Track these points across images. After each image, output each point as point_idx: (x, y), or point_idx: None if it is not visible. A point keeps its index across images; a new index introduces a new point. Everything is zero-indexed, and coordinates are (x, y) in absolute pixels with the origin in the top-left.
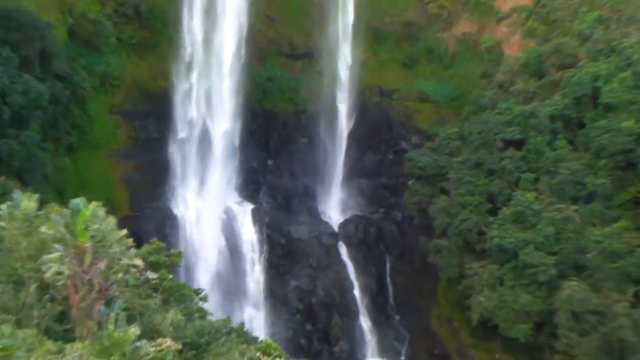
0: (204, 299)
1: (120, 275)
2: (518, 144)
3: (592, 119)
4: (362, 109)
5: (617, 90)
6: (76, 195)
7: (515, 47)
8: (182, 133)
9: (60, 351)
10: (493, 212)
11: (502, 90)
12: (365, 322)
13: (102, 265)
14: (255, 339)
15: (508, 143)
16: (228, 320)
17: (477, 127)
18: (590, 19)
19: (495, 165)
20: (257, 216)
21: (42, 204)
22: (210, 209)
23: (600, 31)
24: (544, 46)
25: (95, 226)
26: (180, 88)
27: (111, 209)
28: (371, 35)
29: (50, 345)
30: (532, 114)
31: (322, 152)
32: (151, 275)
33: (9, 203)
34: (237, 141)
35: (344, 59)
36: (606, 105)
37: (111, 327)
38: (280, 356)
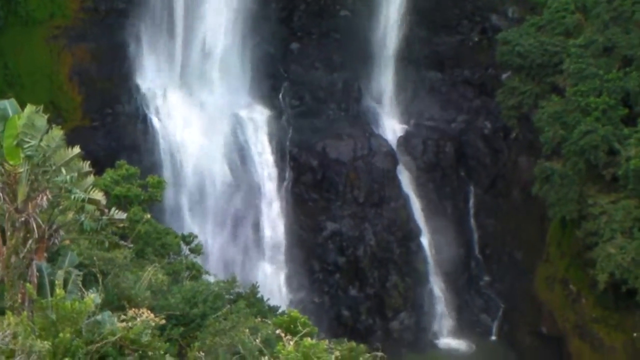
0: (198, 249)
1: (71, 215)
2: None
3: None
4: None
5: None
6: (2, 96)
7: None
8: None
9: None
10: (630, 120)
11: None
12: (437, 286)
13: (43, 200)
14: (274, 309)
15: None
16: (233, 281)
17: None
18: None
19: (635, 50)
20: (275, 127)
21: None
22: (205, 116)
23: None
24: None
25: (33, 142)
26: None
27: (56, 117)
28: None
29: None
30: None
31: (373, 30)
32: (118, 215)
33: None
34: (242, 15)
35: None
36: None
37: (59, 292)
38: (310, 334)
